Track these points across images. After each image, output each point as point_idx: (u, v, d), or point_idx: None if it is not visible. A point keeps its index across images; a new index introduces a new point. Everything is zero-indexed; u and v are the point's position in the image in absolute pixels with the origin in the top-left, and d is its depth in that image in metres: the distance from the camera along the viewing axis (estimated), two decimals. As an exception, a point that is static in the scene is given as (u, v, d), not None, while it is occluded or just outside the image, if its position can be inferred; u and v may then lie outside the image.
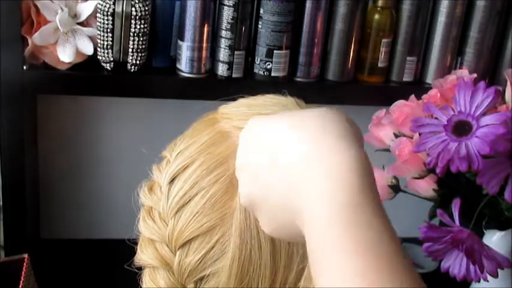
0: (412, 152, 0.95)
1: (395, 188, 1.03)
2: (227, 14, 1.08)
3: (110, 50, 1.06)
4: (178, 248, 0.50)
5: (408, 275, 0.38)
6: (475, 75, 1.04)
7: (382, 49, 1.17)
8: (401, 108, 1.01)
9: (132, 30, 1.04)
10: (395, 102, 1.02)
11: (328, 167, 0.41)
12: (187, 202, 0.50)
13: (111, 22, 1.04)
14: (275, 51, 1.11)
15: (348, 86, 1.19)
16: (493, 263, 0.89)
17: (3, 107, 1.07)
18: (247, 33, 1.11)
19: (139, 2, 1.03)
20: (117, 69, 1.08)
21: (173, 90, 1.13)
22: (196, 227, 0.49)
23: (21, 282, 1.00)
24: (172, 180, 0.52)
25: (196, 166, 0.51)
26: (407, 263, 0.39)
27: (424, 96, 1.01)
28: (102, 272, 1.26)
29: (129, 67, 1.08)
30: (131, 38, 1.05)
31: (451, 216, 0.87)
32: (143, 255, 0.52)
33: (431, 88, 1.02)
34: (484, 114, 0.87)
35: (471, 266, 0.90)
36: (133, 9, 1.03)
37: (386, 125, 1.02)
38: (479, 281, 0.92)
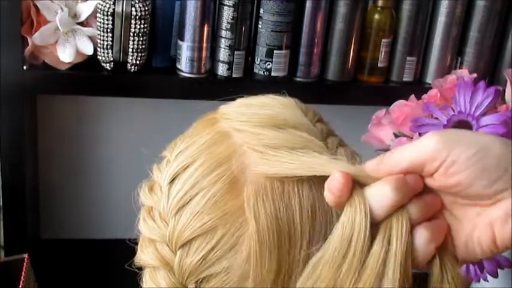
0: (412, 152, 0.95)
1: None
2: (227, 14, 1.08)
3: (110, 50, 1.06)
4: (179, 248, 0.49)
5: None
6: (475, 75, 1.03)
7: (382, 49, 1.17)
8: (401, 108, 1.01)
9: (132, 30, 1.04)
10: (395, 102, 1.02)
11: None
12: (188, 202, 0.50)
13: (111, 22, 1.04)
14: (275, 51, 1.11)
15: (348, 86, 1.19)
16: (493, 263, 0.89)
17: (3, 107, 1.07)
18: (247, 33, 1.11)
19: (139, 2, 1.03)
20: (117, 69, 1.08)
21: (173, 90, 1.13)
22: (196, 226, 0.49)
23: (21, 282, 1.00)
24: (172, 180, 0.51)
25: (196, 166, 0.51)
26: None
27: (424, 96, 1.01)
28: (102, 272, 1.27)
29: (129, 67, 1.08)
30: (131, 38, 1.05)
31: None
32: (143, 255, 0.52)
33: (431, 88, 1.02)
34: (484, 114, 0.87)
35: (471, 266, 0.90)
36: (133, 9, 1.03)
37: (386, 125, 1.02)
38: (479, 281, 0.92)
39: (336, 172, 0.46)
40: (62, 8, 1.03)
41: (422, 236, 0.45)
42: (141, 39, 1.06)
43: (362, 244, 0.44)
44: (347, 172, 0.46)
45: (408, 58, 1.19)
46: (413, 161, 0.45)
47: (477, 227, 0.46)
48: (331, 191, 0.46)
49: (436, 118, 0.91)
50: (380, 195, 0.45)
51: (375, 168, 0.47)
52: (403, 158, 0.46)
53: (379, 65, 1.18)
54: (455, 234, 0.47)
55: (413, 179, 0.46)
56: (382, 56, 1.17)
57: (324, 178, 0.47)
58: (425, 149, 0.45)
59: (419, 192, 0.46)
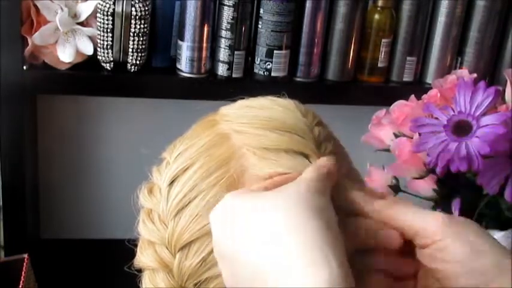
0: (412, 152, 0.95)
1: (395, 188, 1.03)
2: (227, 14, 1.08)
3: (110, 50, 1.06)
4: (178, 251, 0.49)
5: None
6: (475, 75, 1.03)
7: (382, 49, 1.17)
8: (401, 108, 1.01)
9: (132, 30, 1.04)
10: (395, 102, 1.02)
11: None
12: (187, 204, 0.50)
13: (111, 22, 1.04)
14: (275, 51, 1.11)
15: (348, 86, 1.19)
16: (493, 263, 0.88)
17: (3, 107, 1.07)
18: (247, 33, 1.11)
19: (139, 2, 1.03)
20: (117, 69, 1.08)
21: (173, 90, 1.13)
22: (196, 229, 0.49)
23: (21, 282, 1.00)
24: (171, 183, 0.51)
25: (195, 168, 0.51)
26: None
27: (424, 96, 1.01)
28: (101, 272, 1.26)
29: (129, 67, 1.08)
30: (131, 38, 1.05)
31: (451, 216, 0.87)
32: (143, 258, 0.52)
33: (431, 88, 1.02)
34: (484, 114, 0.87)
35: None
36: (133, 9, 1.03)
37: (386, 125, 1.02)
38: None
39: None
40: (62, 8, 1.03)
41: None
42: (141, 39, 1.06)
43: None
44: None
45: (408, 58, 1.19)
46: (410, 226, 0.46)
47: None
48: None
49: (436, 118, 0.91)
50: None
51: (379, 210, 0.47)
52: (405, 219, 0.46)
53: (379, 65, 1.18)
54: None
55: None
56: (382, 56, 1.17)
57: None
58: (424, 222, 0.45)
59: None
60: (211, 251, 0.48)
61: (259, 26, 1.11)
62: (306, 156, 0.50)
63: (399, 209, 0.47)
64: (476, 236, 0.45)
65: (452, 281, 0.44)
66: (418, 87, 1.20)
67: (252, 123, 0.52)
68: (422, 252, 0.46)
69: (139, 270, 0.53)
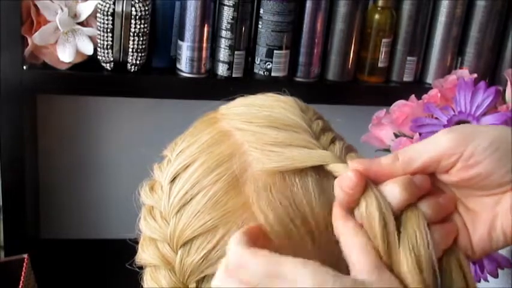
0: (412, 152, 0.95)
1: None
2: (227, 14, 1.08)
3: (110, 50, 1.06)
4: (180, 247, 0.49)
5: None
6: (475, 75, 1.03)
7: (382, 49, 1.17)
8: (401, 108, 1.01)
9: (132, 30, 1.04)
10: (396, 102, 1.02)
11: None
12: (189, 201, 0.50)
13: (111, 22, 1.04)
14: (275, 51, 1.11)
15: (348, 86, 1.19)
16: (493, 263, 0.89)
17: (3, 107, 1.07)
18: (247, 33, 1.11)
19: (139, 2, 1.03)
20: (117, 69, 1.08)
21: (173, 90, 1.13)
22: (197, 226, 0.49)
23: (21, 282, 1.00)
24: (173, 180, 0.52)
25: (197, 165, 0.51)
26: None
27: (424, 96, 1.01)
28: (102, 272, 1.27)
29: (129, 67, 1.08)
30: (131, 38, 1.05)
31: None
32: (144, 255, 0.52)
33: (431, 88, 1.02)
34: (484, 114, 0.87)
35: (471, 266, 0.90)
36: (133, 9, 1.03)
37: (387, 125, 1.02)
38: (479, 281, 0.92)
39: (347, 171, 0.47)
40: (62, 8, 1.03)
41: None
42: (141, 39, 1.06)
43: (393, 229, 0.44)
44: (359, 171, 0.46)
45: (408, 58, 1.19)
46: (429, 158, 0.46)
47: (499, 215, 0.46)
48: (343, 190, 0.46)
49: (437, 118, 0.91)
50: (390, 196, 0.46)
51: (391, 165, 0.47)
52: (419, 155, 0.47)
53: (379, 65, 1.18)
54: (472, 229, 0.48)
55: (420, 179, 0.47)
56: (382, 56, 1.17)
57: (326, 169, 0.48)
58: (441, 146, 0.46)
59: (432, 194, 0.47)
60: (213, 248, 0.48)
61: (259, 26, 1.11)
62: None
63: (408, 154, 0.47)
64: (484, 127, 0.48)
65: (492, 175, 0.45)
66: (418, 87, 1.20)
67: (252, 121, 0.52)
68: (452, 173, 0.46)
69: (141, 268, 0.53)
